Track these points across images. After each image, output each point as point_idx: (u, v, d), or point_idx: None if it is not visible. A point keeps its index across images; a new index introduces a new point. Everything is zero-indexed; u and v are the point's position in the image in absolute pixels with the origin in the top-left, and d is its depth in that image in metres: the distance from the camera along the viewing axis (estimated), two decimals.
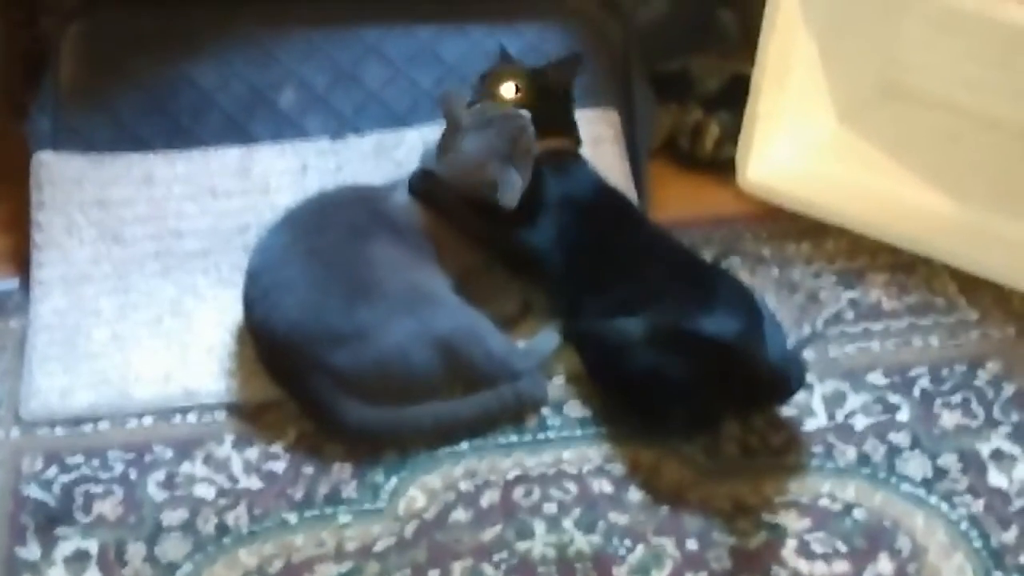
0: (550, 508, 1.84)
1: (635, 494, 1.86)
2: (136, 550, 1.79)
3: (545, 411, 1.98)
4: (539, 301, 2.14)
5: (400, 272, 2.00)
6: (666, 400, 1.90)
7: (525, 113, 2.09)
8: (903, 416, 1.98)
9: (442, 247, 2.09)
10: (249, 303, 2.00)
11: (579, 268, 2.06)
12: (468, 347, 1.96)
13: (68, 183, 2.27)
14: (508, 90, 2.18)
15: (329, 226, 2.05)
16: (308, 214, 2.10)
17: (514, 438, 1.95)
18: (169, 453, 1.93)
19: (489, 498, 1.86)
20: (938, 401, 2.01)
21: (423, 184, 2.12)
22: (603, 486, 1.88)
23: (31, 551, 1.79)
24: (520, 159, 2.07)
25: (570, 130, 2.23)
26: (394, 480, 1.88)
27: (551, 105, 2.20)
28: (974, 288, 2.22)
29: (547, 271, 2.10)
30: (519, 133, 2.07)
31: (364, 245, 2.02)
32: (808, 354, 2.03)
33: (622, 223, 2.15)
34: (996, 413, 1.98)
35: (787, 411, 1.98)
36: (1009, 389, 2.02)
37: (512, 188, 2.05)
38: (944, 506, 1.84)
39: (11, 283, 2.23)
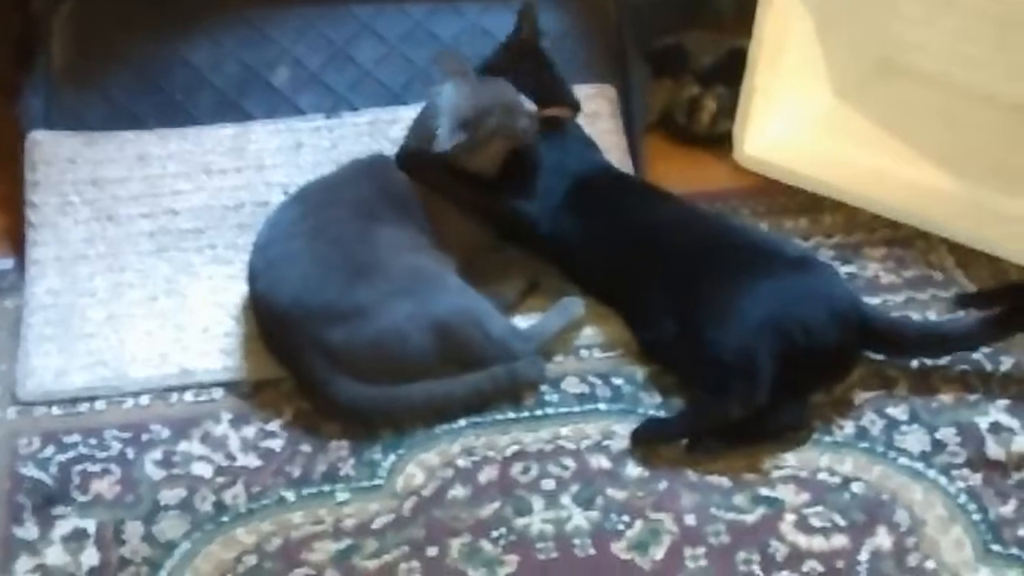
0: (548, 484, 1.84)
1: (633, 469, 1.86)
2: (134, 529, 1.78)
3: (543, 387, 1.98)
4: (548, 280, 2.14)
5: (403, 253, 2.00)
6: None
7: (530, 106, 2.09)
8: (901, 390, 1.98)
9: (443, 225, 2.09)
10: (254, 274, 2.01)
11: (597, 236, 2.08)
12: (466, 329, 1.95)
13: (62, 162, 2.27)
14: None
15: (338, 203, 2.05)
16: (320, 190, 2.11)
17: (512, 415, 1.94)
18: (166, 432, 1.92)
19: (487, 475, 1.86)
20: (936, 374, 2.00)
21: (408, 159, 2.12)
22: (601, 462, 1.87)
23: (28, 531, 1.78)
24: (494, 130, 2.07)
25: (562, 97, 2.23)
26: (392, 457, 1.88)
27: (532, 77, 2.19)
28: (971, 262, 2.22)
29: (544, 238, 2.11)
30: (510, 111, 2.07)
31: (370, 224, 2.02)
32: None
33: (634, 193, 2.18)
34: (994, 386, 1.98)
35: None
36: (1007, 362, 2.02)
37: (443, 138, 2.03)
38: (942, 479, 1.84)
39: (6, 263, 2.22)
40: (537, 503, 1.81)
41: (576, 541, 1.77)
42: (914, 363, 2.02)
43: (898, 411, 1.94)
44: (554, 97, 2.21)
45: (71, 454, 1.89)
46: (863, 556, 1.74)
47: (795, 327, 1.88)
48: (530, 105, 2.09)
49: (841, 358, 1.95)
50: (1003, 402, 1.96)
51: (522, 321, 2.07)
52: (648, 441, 1.88)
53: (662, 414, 1.94)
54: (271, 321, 1.97)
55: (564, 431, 1.92)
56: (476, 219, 2.12)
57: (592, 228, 2.08)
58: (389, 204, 2.06)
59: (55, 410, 1.96)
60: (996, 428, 1.92)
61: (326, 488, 1.84)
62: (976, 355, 2.03)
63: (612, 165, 2.24)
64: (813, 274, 1.99)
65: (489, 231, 2.15)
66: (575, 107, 2.24)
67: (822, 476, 1.85)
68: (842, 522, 1.78)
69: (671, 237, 2.05)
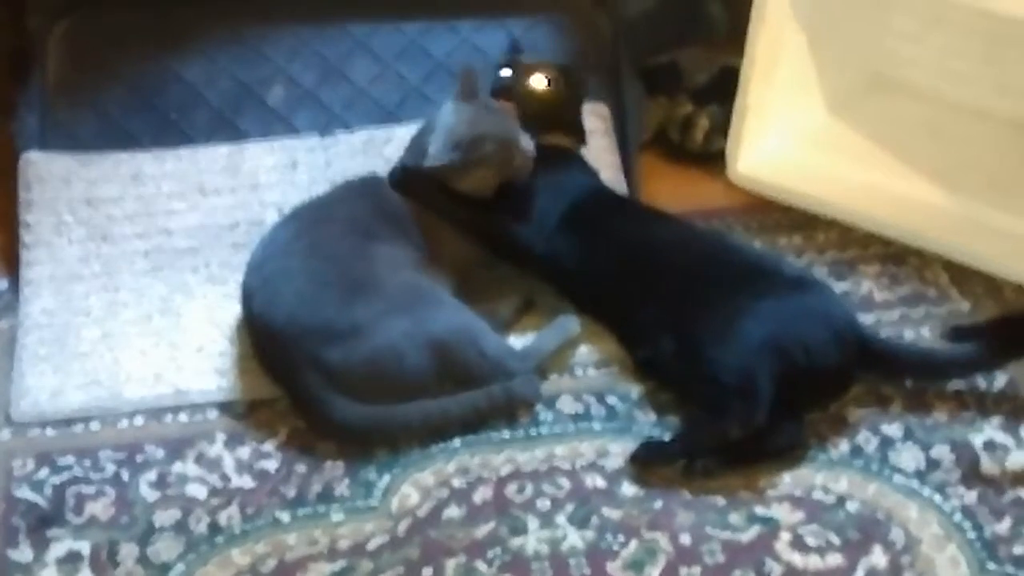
0: (543, 504, 1.84)
1: (628, 488, 1.86)
2: (128, 551, 1.78)
3: (537, 406, 1.98)
4: (543, 299, 2.14)
5: (399, 271, 2.00)
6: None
7: (528, 144, 2.09)
8: (895, 408, 1.98)
9: (437, 242, 2.09)
10: (249, 292, 2.00)
11: (595, 256, 2.08)
12: (462, 348, 1.95)
13: (56, 182, 2.27)
14: (539, 81, 2.19)
15: (333, 221, 2.05)
16: (314, 209, 2.11)
17: (506, 434, 1.94)
18: (160, 453, 1.92)
19: (482, 494, 1.85)
20: (930, 392, 2.00)
21: (402, 177, 2.12)
22: (596, 481, 1.87)
23: (23, 553, 1.78)
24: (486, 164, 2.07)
25: (575, 129, 2.24)
26: (387, 477, 1.87)
27: (567, 105, 2.22)
28: (966, 278, 2.22)
29: (538, 258, 2.11)
30: (507, 146, 2.07)
31: (366, 242, 2.02)
32: None
33: (632, 213, 2.18)
34: (988, 403, 1.98)
35: None
36: (1001, 379, 2.02)
37: (433, 154, 2.05)
38: (937, 497, 1.84)
39: (0, 283, 2.21)
40: (532, 523, 1.81)
41: (571, 561, 1.76)
42: (908, 381, 2.02)
43: (892, 429, 1.95)
44: (568, 126, 2.23)
45: (65, 476, 1.88)
46: (858, 575, 1.74)
47: (795, 347, 1.89)
48: (528, 144, 2.08)
49: (839, 378, 1.95)
50: (997, 419, 1.96)
51: (518, 339, 2.07)
52: (647, 462, 1.88)
53: (657, 432, 1.94)
54: (267, 340, 1.97)
55: (559, 450, 1.92)
56: (469, 238, 2.12)
57: (590, 248, 2.08)
58: (384, 222, 2.06)
59: (49, 431, 1.96)
60: (991, 446, 1.92)
61: (321, 509, 1.83)
62: None
63: (609, 187, 2.24)
64: (812, 293, 2.00)
65: (482, 249, 2.14)
66: (582, 140, 2.25)
67: (817, 495, 1.85)
68: (837, 541, 1.78)
69: (670, 256, 2.05)
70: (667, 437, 1.93)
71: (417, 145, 2.12)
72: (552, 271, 2.12)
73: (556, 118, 2.20)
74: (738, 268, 2.02)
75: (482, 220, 2.11)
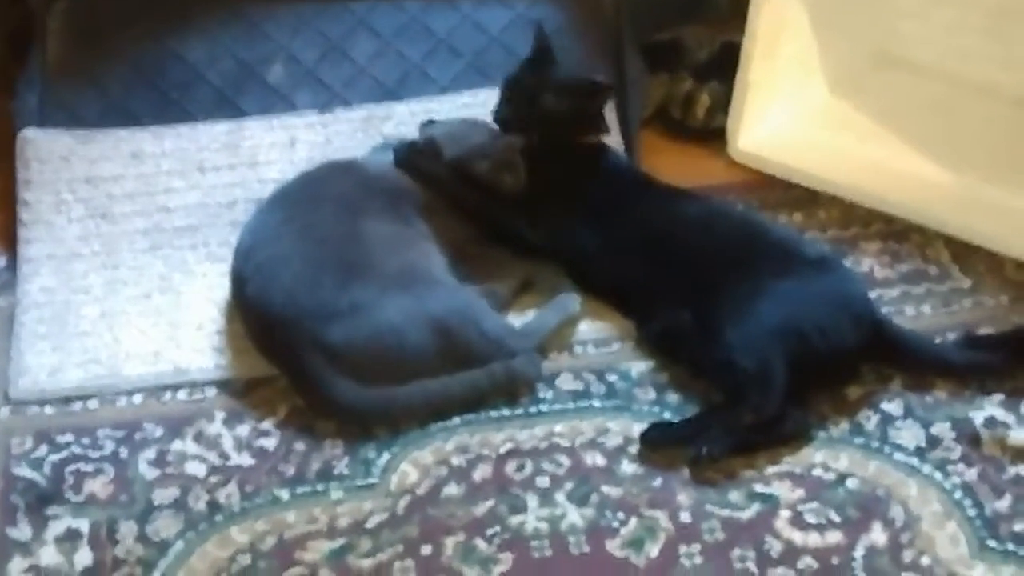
0: (543, 482, 1.84)
1: (628, 467, 1.86)
2: (128, 528, 1.78)
3: (537, 384, 1.97)
4: (543, 277, 2.14)
5: (395, 250, 2.00)
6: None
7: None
8: (896, 385, 1.97)
9: (435, 220, 2.09)
10: (241, 280, 1.99)
11: (612, 235, 2.07)
12: (463, 327, 1.94)
13: (55, 160, 2.26)
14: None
15: (322, 202, 2.04)
16: (300, 191, 2.09)
17: (506, 412, 1.94)
18: (160, 431, 1.92)
19: (481, 472, 1.85)
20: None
21: (410, 156, 2.12)
22: (596, 459, 1.87)
23: (22, 531, 1.78)
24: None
25: (599, 124, 2.22)
26: (386, 456, 1.87)
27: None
28: (967, 256, 2.21)
29: (534, 248, 2.13)
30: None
31: (358, 222, 2.01)
32: None
33: (653, 191, 2.17)
34: (989, 381, 1.97)
35: None
36: None
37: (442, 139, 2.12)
38: (937, 475, 1.83)
39: None
40: (532, 501, 1.81)
41: (571, 539, 1.76)
42: None
43: (893, 406, 1.94)
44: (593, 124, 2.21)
45: (64, 454, 1.88)
46: (858, 552, 1.73)
47: (812, 331, 1.89)
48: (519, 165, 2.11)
49: (853, 361, 1.95)
50: (998, 397, 1.95)
51: (517, 318, 2.06)
52: (658, 444, 1.87)
53: (656, 410, 1.94)
54: (264, 325, 1.95)
55: (559, 428, 1.91)
56: (468, 221, 2.13)
57: (610, 229, 2.07)
58: (372, 199, 2.05)
59: (48, 409, 1.96)
60: (991, 423, 1.91)
61: (320, 487, 1.83)
62: None
63: (634, 168, 2.24)
64: (832, 275, 1.99)
65: (480, 232, 2.15)
66: (605, 130, 2.24)
67: (817, 472, 1.84)
68: (837, 518, 1.78)
69: (692, 233, 2.04)
70: (667, 415, 1.93)
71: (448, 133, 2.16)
72: (556, 255, 2.12)
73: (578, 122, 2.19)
74: (759, 247, 2.01)
75: (487, 206, 2.12)
